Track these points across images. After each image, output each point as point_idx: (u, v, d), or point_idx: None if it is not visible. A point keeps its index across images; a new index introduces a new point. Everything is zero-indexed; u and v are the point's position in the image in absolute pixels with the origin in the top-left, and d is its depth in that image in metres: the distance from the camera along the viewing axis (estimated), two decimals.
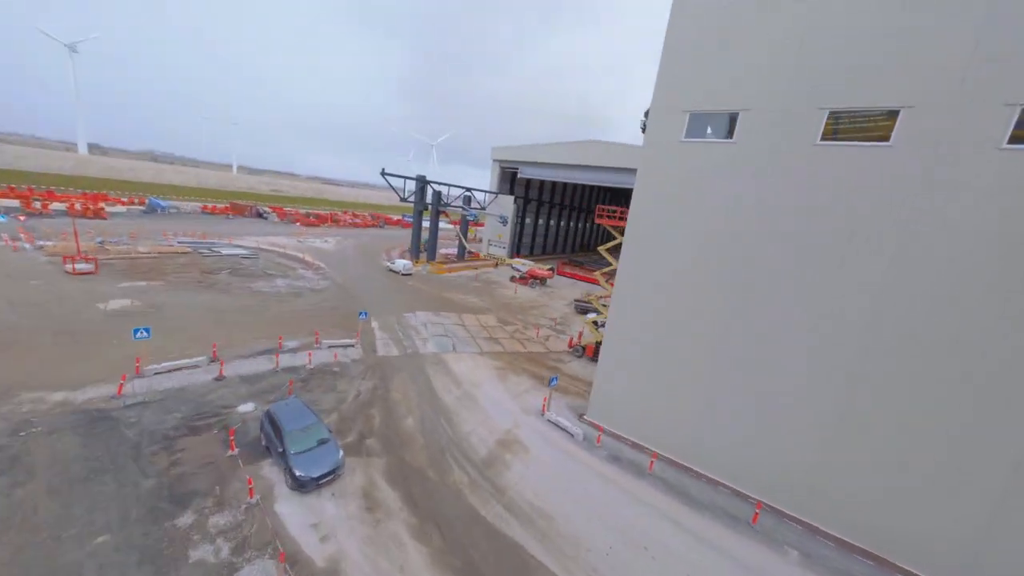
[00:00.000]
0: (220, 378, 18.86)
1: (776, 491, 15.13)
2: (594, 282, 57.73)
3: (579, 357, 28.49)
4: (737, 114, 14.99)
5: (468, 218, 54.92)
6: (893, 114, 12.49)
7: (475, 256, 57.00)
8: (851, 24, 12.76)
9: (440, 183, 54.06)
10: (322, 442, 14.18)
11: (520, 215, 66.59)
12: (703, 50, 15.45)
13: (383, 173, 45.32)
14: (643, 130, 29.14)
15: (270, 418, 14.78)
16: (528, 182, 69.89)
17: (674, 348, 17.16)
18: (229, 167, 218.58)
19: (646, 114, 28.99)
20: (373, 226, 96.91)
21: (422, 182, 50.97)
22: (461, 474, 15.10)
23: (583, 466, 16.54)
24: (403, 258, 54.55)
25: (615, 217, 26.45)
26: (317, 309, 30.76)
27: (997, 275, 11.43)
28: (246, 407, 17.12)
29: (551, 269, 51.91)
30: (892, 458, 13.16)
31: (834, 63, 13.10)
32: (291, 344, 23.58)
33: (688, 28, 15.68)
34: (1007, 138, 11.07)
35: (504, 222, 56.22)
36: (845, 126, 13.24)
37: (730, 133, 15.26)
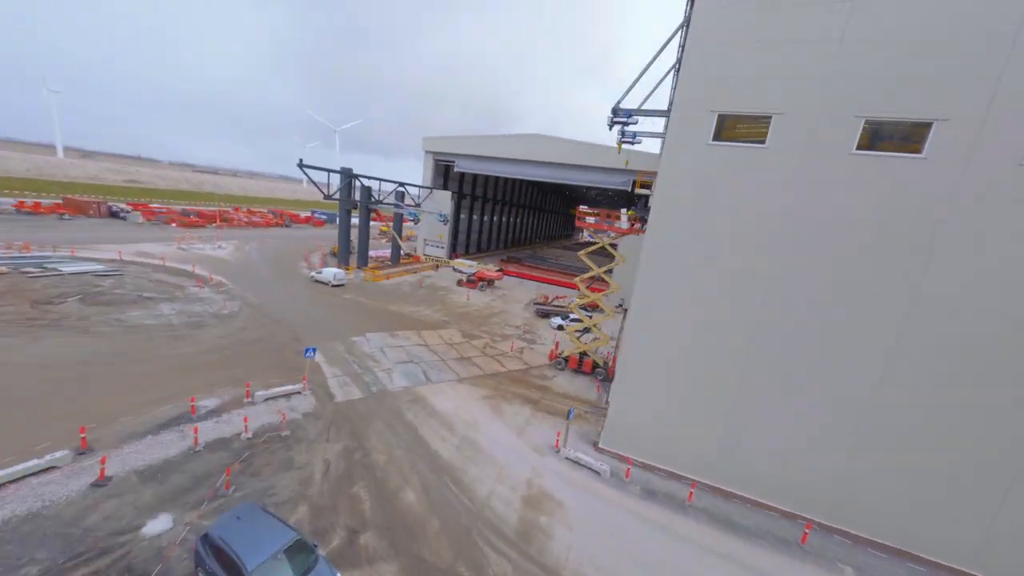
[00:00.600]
0: (101, 482, 12.50)
1: (817, 505, 14.96)
2: (543, 280, 56.77)
3: (562, 370, 26.59)
4: (770, 117, 13.98)
5: (409, 217, 49.13)
6: (926, 126, 12.47)
7: (414, 259, 51.58)
8: (893, 27, 12.35)
9: (370, 177, 47.27)
10: (307, 571, 9.77)
11: (455, 211, 62.30)
12: (735, 45, 14.07)
13: (301, 165, 37.55)
14: (609, 127, 27.84)
15: (214, 548, 9.76)
16: (462, 176, 65.74)
17: (705, 364, 16.01)
18: (51, 148, 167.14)
19: (614, 111, 27.75)
20: (277, 225, 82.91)
21: (349, 176, 43.81)
22: (501, 561, 11.92)
23: (624, 511, 14.54)
24: (328, 265, 46.79)
25: (598, 220, 24.78)
26: (234, 344, 23.71)
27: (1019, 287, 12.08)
28: (158, 526, 11.44)
29: (500, 270, 49.29)
30: (922, 463, 13.62)
31: (873, 69, 12.66)
32: (208, 403, 17.26)
33: (718, 19, 14.16)
34: None
35: (444, 220, 51.71)
36: (880, 137, 12.98)
37: (762, 138, 14.23)
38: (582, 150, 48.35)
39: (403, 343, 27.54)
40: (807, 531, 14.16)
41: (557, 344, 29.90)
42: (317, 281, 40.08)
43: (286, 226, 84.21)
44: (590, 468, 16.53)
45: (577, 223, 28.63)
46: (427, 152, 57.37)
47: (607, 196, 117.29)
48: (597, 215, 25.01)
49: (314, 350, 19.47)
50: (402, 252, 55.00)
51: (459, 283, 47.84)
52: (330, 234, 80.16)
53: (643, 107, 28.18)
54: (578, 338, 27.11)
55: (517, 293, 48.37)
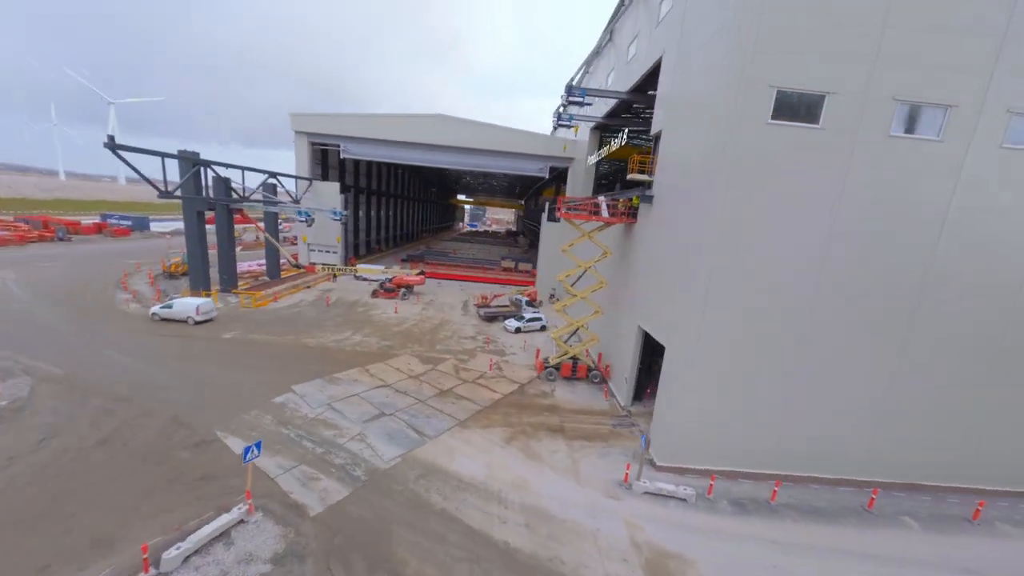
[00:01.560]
0: None
1: (873, 467, 16.00)
2: (465, 279, 52.05)
3: (553, 380, 23.72)
4: (824, 96, 13.43)
5: (300, 217, 37.48)
6: (943, 109, 13.56)
7: (308, 269, 40.16)
8: (935, 10, 12.80)
9: (227, 166, 34.37)
10: None
11: (346, 208, 51.59)
12: (794, 10, 12.88)
13: (113, 146, 24.12)
14: (563, 107, 25.50)
15: None
16: (343, 164, 54.70)
17: (759, 356, 15.29)
18: None
19: (568, 89, 25.47)
20: (44, 239, 55.49)
21: (193, 161, 30.56)
22: None
23: (744, 540, 12.86)
24: (171, 292, 32.78)
25: (583, 211, 22.26)
26: (50, 465, 13.32)
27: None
28: None
29: (420, 273, 42.65)
30: (936, 410, 15.69)
31: (911, 50, 13.05)
32: None
33: None
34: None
35: (341, 218, 41.61)
36: (914, 120, 13.66)
37: (815, 118, 13.61)
38: (497, 134, 44.93)
39: (354, 389, 20.36)
40: (874, 496, 14.96)
41: (539, 352, 26.76)
42: (167, 319, 27.28)
43: (61, 238, 57.23)
44: (674, 497, 14.37)
45: (559, 214, 25.54)
46: (299, 133, 45.21)
47: (503, 184, 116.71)
48: (577, 205, 22.50)
49: (258, 446, 11.91)
50: (284, 262, 42.65)
51: (374, 294, 39.67)
52: (145, 247, 58.24)
53: (589, 86, 26.53)
54: (565, 342, 24.53)
55: (444, 297, 42.83)
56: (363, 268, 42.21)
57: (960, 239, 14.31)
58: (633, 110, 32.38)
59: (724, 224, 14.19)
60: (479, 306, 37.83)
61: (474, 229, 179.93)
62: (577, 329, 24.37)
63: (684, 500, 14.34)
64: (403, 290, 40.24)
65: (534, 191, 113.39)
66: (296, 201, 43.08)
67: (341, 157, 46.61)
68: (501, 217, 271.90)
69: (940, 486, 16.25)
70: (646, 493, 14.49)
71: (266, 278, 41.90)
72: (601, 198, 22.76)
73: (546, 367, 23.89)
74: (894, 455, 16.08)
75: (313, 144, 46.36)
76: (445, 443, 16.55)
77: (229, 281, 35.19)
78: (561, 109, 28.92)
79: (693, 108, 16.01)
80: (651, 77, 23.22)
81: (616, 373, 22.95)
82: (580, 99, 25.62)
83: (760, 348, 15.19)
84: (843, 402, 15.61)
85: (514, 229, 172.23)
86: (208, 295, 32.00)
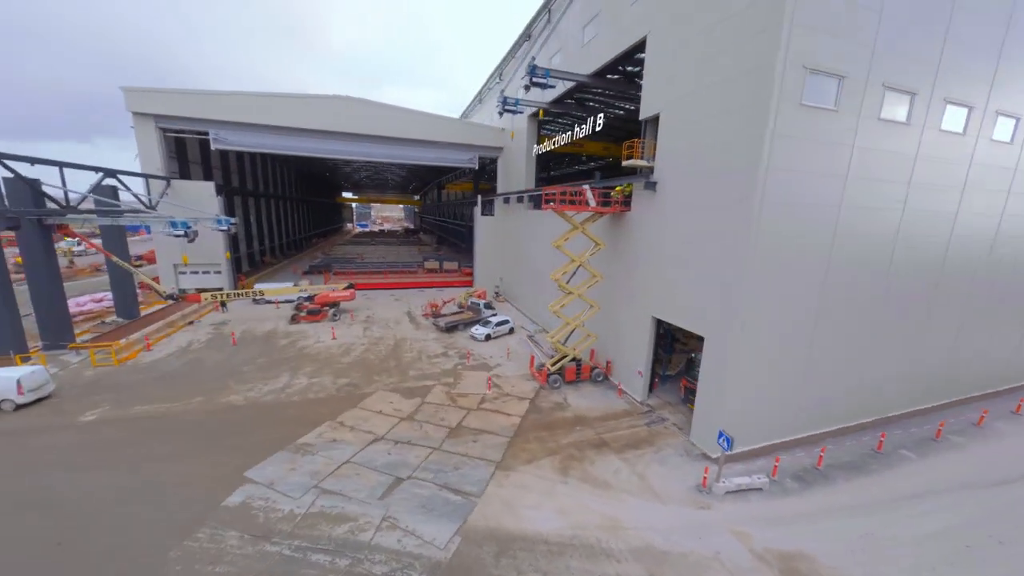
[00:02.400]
0: None
1: (865, 409, 18.29)
2: (393, 287, 46.04)
3: (558, 387, 21.88)
4: (841, 79, 14.09)
5: (175, 231, 26.58)
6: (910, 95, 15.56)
7: (191, 298, 29.16)
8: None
9: (33, 161, 22.76)
10: None
11: (222, 212, 40.24)
12: None
13: None
14: (526, 88, 23.83)
15: None
16: (205, 157, 42.59)
17: (805, 328, 16.07)
18: None
19: (532, 69, 23.65)
20: None
21: None
22: None
23: (828, 518, 13.10)
24: None
25: (573, 201, 20.55)
26: None
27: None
28: None
29: (349, 286, 35.64)
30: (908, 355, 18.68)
31: (900, 39, 14.47)
32: None
33: None
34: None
35: (228, 228, 31.54)
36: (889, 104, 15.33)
37: (832, 100, 14.23)
38: (419, 121, 39.94)
39: (340, 454, 15.29)
40: (882, 439, 17.04)
41: (532, 359, 24.36)
42: None
43: None
44: (752, 488, 14.05)
45: (547, 207, 23.07)
46: (140, 116, 32.90)
47: (397, 178, 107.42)
48: (574, 197, 20.61)
49: None
50: (150, 290, 30.93)
51: (294, 319, 31.86)
52: None
53: (554, 67, 25.01)
54: (563, 343, 22.77)
55: (380, 310, 36.90)
56: (267, 289, 33.35)
57: (909, 209, 16.91)
58: (576, 97, 31.86)
59: (769, 208, 14.07)
60: (433, 316, 33.44)
61: (365, 230, 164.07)
62: (574, 329, 22.82)
63: (760, 489, 14.15)
64: (332, 310, 33.21)
65: (434, 185, 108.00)
66: (151, 207, 31.44)
67: (213, 148, 35.77)
68: (390, 215, 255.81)
69: (899, 415, 19.59)
70: (727, 493, 13.86)
71: (117, 319, 29.99)
72: (586, 187, 21.39)
73: (550, 374, 21.85)
74: (877, 397, 18.77)
75: (166, 131, 34.51)
76: (498, 497, 13.35)
77: (59, 332, 23.87)
78: (527, 90, 26.16)
79: (711, 90, 15.46)
80: (623, 58, 22.63)
81: (620, 368, 22.22)
82: (543, 80, 23.61)
83: (797, 324, 15.83)
84: (850, 361, 17.46)
85: (412, 227, 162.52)
86: (31, 358, 20.98)
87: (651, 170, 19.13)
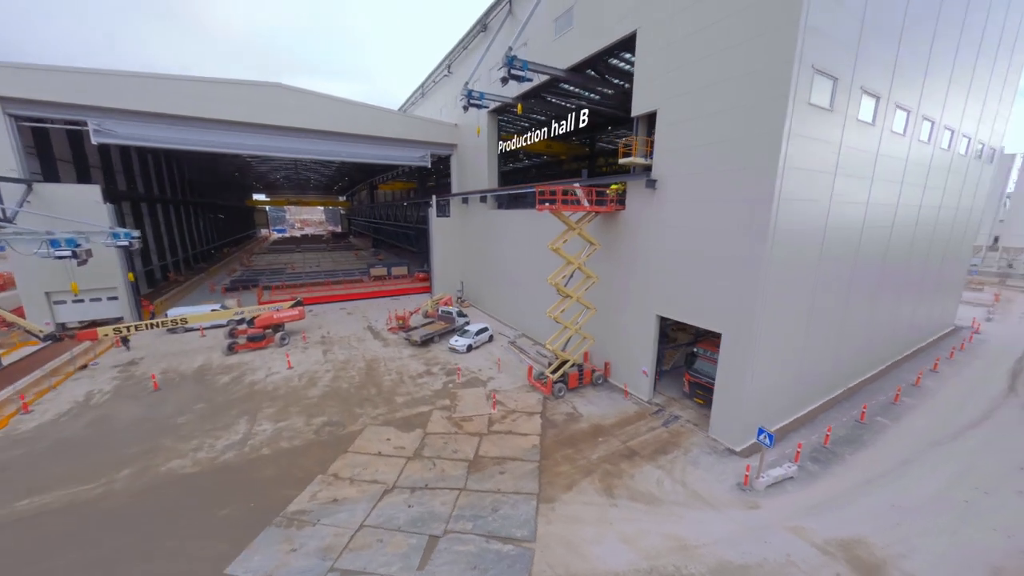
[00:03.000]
0: None
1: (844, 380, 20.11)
2: (341, 299, 41.25)
3: (563, 395, 20.91)
4: (836, 81, 14.86)
5: (58, 253, 19.39)
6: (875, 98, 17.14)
7: (85, 336, 21.81)
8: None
9: None
10: None
11: (117, 223, 32.10)
12: None
13: None
14: (504, 82, 22.62)
15: None
16: (80, 157, 33.77)
17: (815, 313, 17.04)
18: None
19: (509, 60, 22.39)
20: None
21: None
22: None
23: (857, 495, 13.85)
24: None
25: (566, 201, 19.57)
26: None
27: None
28: None
29: (297, 303, 30.65)
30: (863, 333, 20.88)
31: (874, 46, 15.71)
32: None
33: None
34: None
35: (130, 244, 24.57)
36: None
37: (828, 101, 14.97)
38: (366, 115, 35.81)
39: (348, 518, 12.54)
40: (864, 410, 18.79)
41: (531, 369, 22.88)
42: None
43: None
44: (788, 478, 14.41)
45: (541, 208, 21.36)
46: None
47: (321, 178, 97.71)
48: (553, 195, 19.44)
49: None
50: (11, 330, 23.15)
51: (232, 348, 26.55)
52: None
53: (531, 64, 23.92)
54: (563, 349, 21.73)
55: (334, 327, 32.59)
56: (189, 316, 27.26)
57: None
58: (540, 95, 30.88)
59: (785, 205, 14.40)
60: (402, 329, 30.27)
61: (285, 235, 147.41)
62: (572, 333, 21.92)
63: (792, 478, 14.57)
64: (279, 332, 28.37)
65: (365, 185, 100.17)
66: (8, 220, 23.57)
67: (95, 142, 28.11)
68: (309, 218, 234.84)
69: (857, 384, 22.04)
70: (768, 487, 14.01)
71: None
72: (576, 186, 20.57)
73: (555, 383, 20.72)
74: (845, 370, 20.86)
75: (18, 119, 26.31)
76: (554, 537, 11.89)
77: None
78: (504, 82, 24.05)
79: (720, 87, 15.34)
80: (605, 53, 22.11)
81: (621, 369, 21.91)
82: (522, 73, 22.19)
83: (798, 313, 16.68)
84: (829, 341, 19.06)
85: (340, 230, 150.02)
86: None
87: (649, 168, 18.86)
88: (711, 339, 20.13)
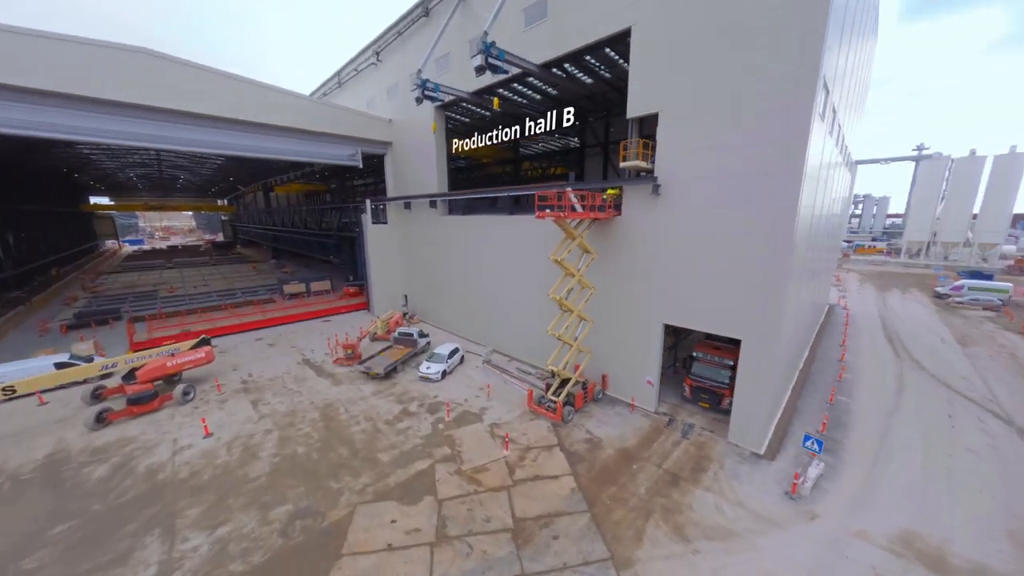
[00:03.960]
0: None
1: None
2: (259, 326, 33.32)
3: (571, 418, 19.07)
4: (828, 91, 15.61)
5: None
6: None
7: None
8: None
9: None
10: None
11: None
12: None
13: None
14: (479, 72, 20.34)
15: None
16: None
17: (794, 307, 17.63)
18: None
19: (485, 48, 20.11)
20: None
21: None
22: None
23: (876, 479, 14.68)
24: None
25: (560, 207, 17.79)
26: None
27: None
28: None
29: (203, 341, 23.01)
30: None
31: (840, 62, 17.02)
32: None
33: None
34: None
35: None
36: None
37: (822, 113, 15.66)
38: (282, 102, 28.94)
39: None
40: (833, 392, 20.66)
41: (531, 393, 20.28)
42: None
43: None
44: (820, 476, 14.69)
45: (540, 215, 18.46)
46: None
47: (195, 178, 79.95)
48: (554, 200, 17.40)
49: None
50: None
51: (101, 418, 18.60)
52: None
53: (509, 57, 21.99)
54: (563, 367, 19.79)
55: (260, 366, 25.65)
56: (14, 380, 18.32)
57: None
58: (496, 91, 28.46)
59: (801, 212, 14.63)
60: (353, 360, 25.02)
61: (143, 247, 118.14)
62: (574, 350, 20.14)
63: (823, 474, 14.93)
64: (182, 386, 20.96)
65: (257, 186, 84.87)
66: None
67: None
68: (175, 225, 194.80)
69: (804, 365, 24.64)
70: (812, 491, 14.06)
71: None
72: (569, 191, 18.91)
73: (565, 406, 18.70)
74: (799, 351, 22.93)
75: None
76: None
77: None
78: (479, 72, 20.57)
79: (736, 90, 14.90)
80: (588, 50, 20.73)
81: (622, 381, 20.89)
82: (499, 62, 19.70)
83: (793, 304, 17.35)
84: (796, 323, 20.51)
85: (222, 239, 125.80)
86: None
87: (650, 172, 18.04)
88: (711, 342, 20.32)
